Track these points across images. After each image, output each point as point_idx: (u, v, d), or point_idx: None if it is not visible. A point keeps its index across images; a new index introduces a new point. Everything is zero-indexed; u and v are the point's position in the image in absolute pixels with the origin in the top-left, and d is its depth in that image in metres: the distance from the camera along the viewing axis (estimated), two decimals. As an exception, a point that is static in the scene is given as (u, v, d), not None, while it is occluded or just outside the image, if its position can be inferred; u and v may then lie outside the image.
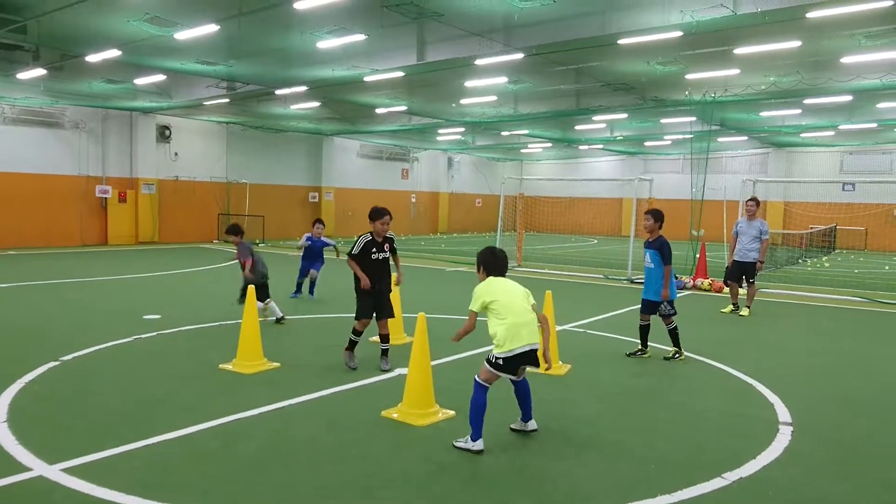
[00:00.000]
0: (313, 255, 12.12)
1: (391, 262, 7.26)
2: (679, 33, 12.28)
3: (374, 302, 7.06)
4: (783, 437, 5.32)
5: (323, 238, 12.15)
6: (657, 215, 7.91)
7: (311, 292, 12.04)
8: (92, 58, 15.32)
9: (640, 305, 8.11)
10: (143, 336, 8.41)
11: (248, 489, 4.17)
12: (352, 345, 7.15)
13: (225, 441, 4.96)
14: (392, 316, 7.28)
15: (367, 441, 5.05)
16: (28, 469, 4.32)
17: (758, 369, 7.52)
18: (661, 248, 7.74)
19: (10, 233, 20.89)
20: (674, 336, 7.85)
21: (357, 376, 6.77)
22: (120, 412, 5.55)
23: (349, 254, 7.06)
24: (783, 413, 5.96)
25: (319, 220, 12.51)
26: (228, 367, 6.93)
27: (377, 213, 7.05)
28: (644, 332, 8.03)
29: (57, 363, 6.99)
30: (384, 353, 7.15)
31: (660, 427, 5.56)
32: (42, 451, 4.60)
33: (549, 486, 4.31)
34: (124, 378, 6.58)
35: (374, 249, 7.06)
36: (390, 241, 7.23)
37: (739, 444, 5.13)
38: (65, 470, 4.31)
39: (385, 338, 7.17)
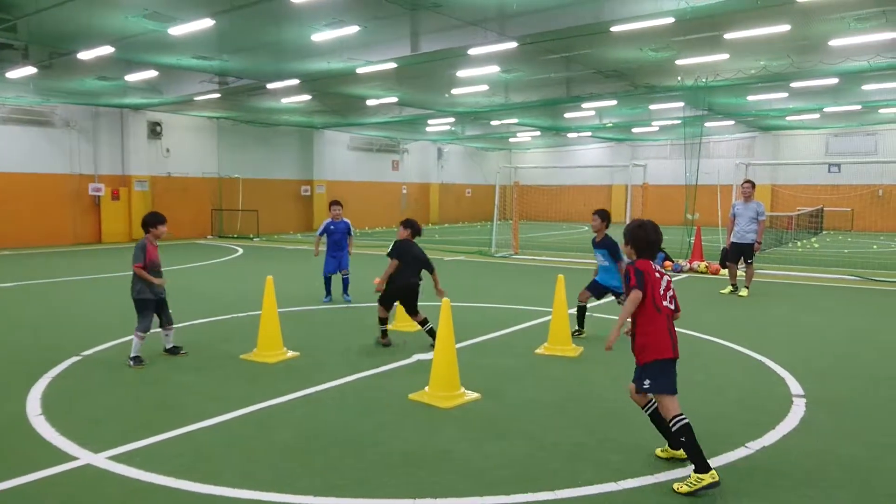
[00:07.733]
0: (336, 245, 10.69)
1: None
2: (672, 20, 12.43)
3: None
4: (798, 409, 5.52)
5: (345, 219, 10.82)
6: (604, 215, 8.09)
7: (344, 292, 10.70)
8: (84, 55, 15.19)
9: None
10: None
11: (291, 473, 4.28)
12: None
13: (259, 428, 5.07)
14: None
15: (400, 423, 5.18)
16: (75, 458, 4.42)
17: (765, 346, 7.73)
18: (610, 247, 7.97)
19: (2, 233, 20.75)
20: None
21: (376, 362, 6.90)
22: (151, 402, 5.66)
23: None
24: (795, 387, 6.16)
25: (337, 202, 10.97)
26: (250, 356, 7.04)
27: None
28: (582, 312, 8.27)
29: (79, 358, 7.07)
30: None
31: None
32: (84, 440, 4.70)
33: (581, 462, 4.46)
34: (148, 370, 6.67)
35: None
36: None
37: (758, 417, 5.32)
38: (111, 458, 4.42)
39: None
